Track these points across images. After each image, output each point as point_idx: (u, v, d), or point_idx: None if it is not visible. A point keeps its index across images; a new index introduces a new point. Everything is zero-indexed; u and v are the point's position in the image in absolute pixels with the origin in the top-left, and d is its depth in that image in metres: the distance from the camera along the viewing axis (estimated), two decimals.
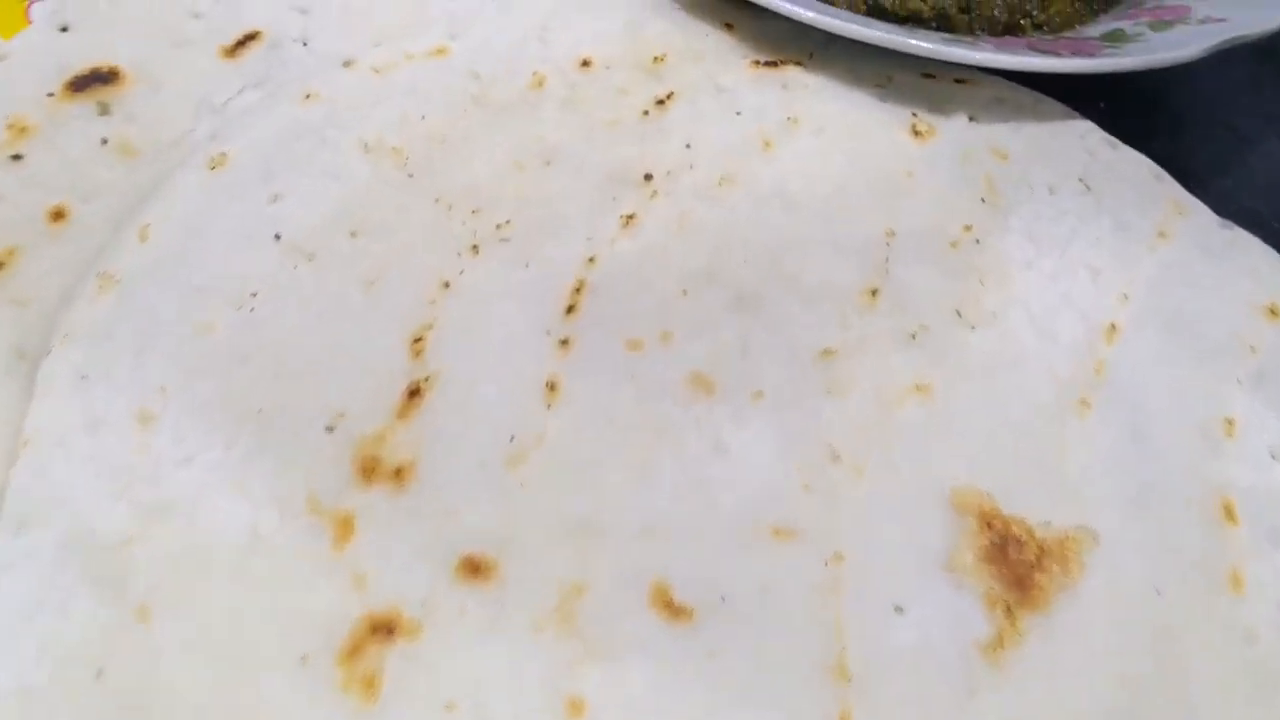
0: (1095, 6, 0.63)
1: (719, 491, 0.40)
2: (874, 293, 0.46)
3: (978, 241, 0.49)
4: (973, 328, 0.46)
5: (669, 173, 0.50)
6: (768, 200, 0.49)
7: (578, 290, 0.45)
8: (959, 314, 0.46)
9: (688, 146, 0.51)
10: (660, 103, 0.52)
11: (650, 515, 0.39)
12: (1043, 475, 0.42)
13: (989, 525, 0.40)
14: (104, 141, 0.45)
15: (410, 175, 0.48)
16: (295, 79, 0.49)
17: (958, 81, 0.55)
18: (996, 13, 0.60)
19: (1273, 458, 0.43)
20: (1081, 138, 0.54)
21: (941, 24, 0.60)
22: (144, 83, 0.47)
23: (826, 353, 0.44)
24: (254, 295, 0.42)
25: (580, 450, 0.41)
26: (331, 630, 0.35)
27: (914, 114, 0.53)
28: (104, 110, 0.46)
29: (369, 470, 0.39)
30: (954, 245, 0.48)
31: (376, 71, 0.50)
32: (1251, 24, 0.55)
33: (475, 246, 0.46)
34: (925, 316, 0.46)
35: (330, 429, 0.40)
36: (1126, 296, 0.47)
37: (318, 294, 0.43)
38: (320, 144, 0.47)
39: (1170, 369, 0.46)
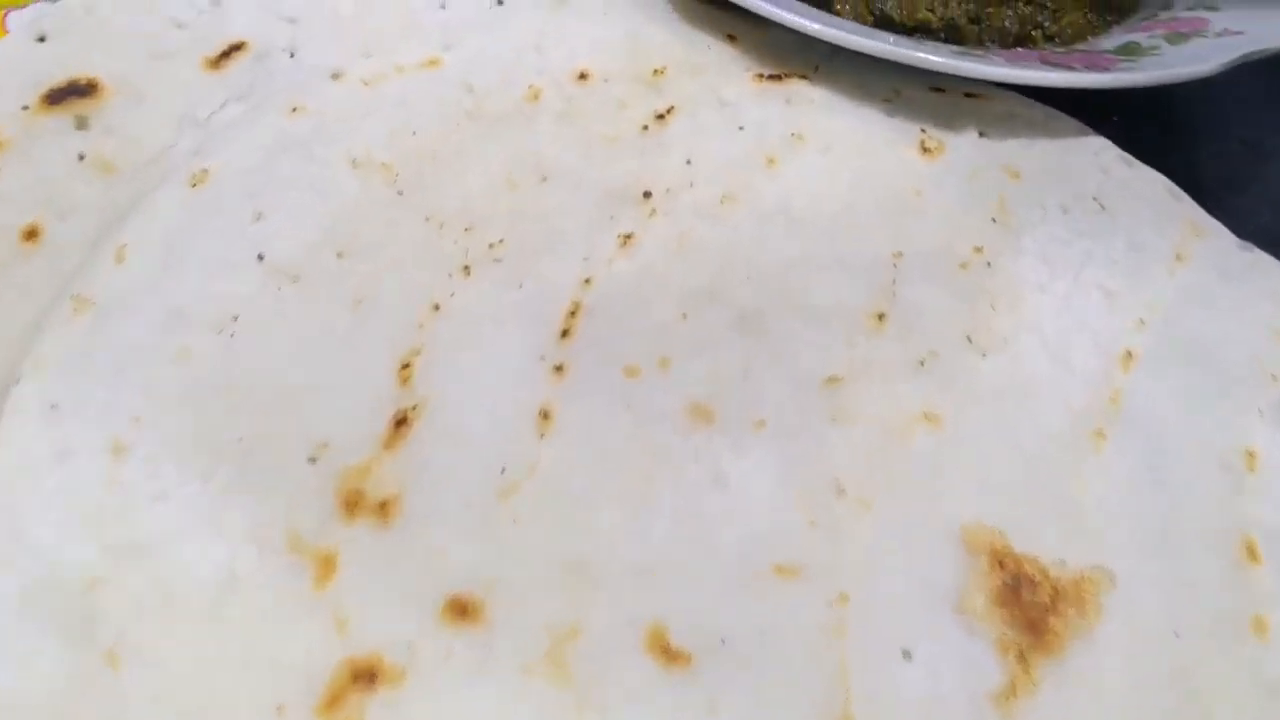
0: (1109, 18, 0.61)
1: (718, 527, 0.38)
2: (881, 316, 0.45)
3: (989, 263, 0.47)
4: (983, 354, 0.44)
5: (669, 190, 0.48)
6: (771, 219, 0.48)
7: (573, 313, 0.43)
8: (969, 339, 0.44)
9: (688, 163, 0.49)
10: (660, 117, 0.50)
11: (646, 552, 0.38)
12: (1057, 511, 0.40)
13: (1001, 565, 0.38)
14: (81, 157, 0.44)
15: (400, 192, 0.46)
16: (281, 91, 0.47)
17: (968, 96, 0.53)
18: (1007, 24, 0.58)
19: None
20: (1095, 155, 0.52)
21: (950, 35, 0.58)
22: (124, 95, 0.46)
23: (831, 379, 0.43)
24: (235, 319, 0.41)
25: (574, 483, 0.39)
26: (310, 678, 0.33)
27: (922, 130, 0.52)
28: (81, 124, 0.45)
29: (353, 504, 0.37)
30: (964, 267, 0.47)
31: (366, 84, 0.48)
32: (1271, 37, 0.54)
33: (467, 267, 0.44)
34: (934, 341, 0.44)
35: (313, 460, 0.38)
36: (1143, 322, 0.46)
37: (302, 317, 0.41)
38: (307, 159, 0.45)
39: (1188, 398, 0.44)
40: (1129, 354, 0.45)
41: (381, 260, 0.44)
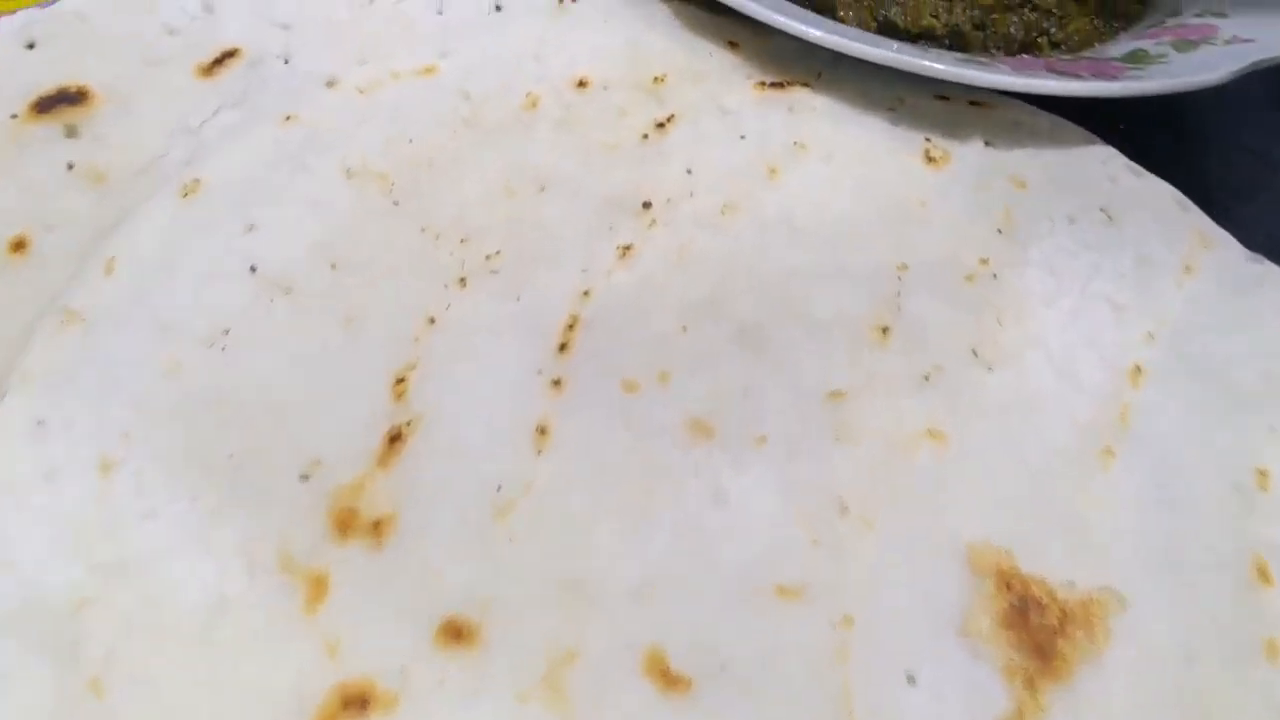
0: (1116, 25, 0.60)
1: (719, 545, 0.38)
2: (885, 329, 0.44)
3: (995, 275, 0.46)
4: (989, 368, 0.43)
5: (669, 200, 0.47)
6: (773, 230, 0.47)
7: (571, 326, 0.43)
8: (975, 353, 0.44)
9: (689, 172, 0.48)
10: (660, 125, 0.49)
11: (645, 572, 0.37)
12: (1064, 530, 0.39)
13: (1007, 586, 0.38)
14: (70, 166, 0.43)
15: (395, 202, 0.45)
16: (275, 99, 0.46)
17: (973, 104, 0.53)
18: (1013, 30, 0.58)
19: None
20: (1103, 164, 0.51)
21: (955, 42, 0.57)
22: (114, 103, 0.45)
23: (834, 394, 0.42)
24: (226, 333, 0.40)
25: (571, 500, 0.38)
26: (300, 703, 0.32)
27: (927, 139, 0.51)
28: (71, 133, 0.44)
29: (346, 524, 0.36)
30: (969, 279, 0.46)
31: (361, 91, 0.47)
32: None
33: (463, 279, 0.43)
34: (939, 356, 0.43)
35: (305, 478, 0.37)
36: (1151, 336, 0.45)
37: (294, 331, 0.41)
38: (300, 169, 0.44)
39: (1198, 415, 0.43)
40: (1137, 369, 0.44)
41: (376, 272, 0.43)
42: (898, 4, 0.57)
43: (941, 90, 0.52)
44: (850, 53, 0.50)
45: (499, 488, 0.38)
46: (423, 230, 0.45)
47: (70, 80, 0.45)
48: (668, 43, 0.52)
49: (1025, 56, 0.57)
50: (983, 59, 0.54)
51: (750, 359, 0.43)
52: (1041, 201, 0.49)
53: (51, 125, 0.44)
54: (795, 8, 0.54)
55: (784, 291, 0.45)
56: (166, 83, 0.46)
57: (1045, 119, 0.53)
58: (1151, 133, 0.55)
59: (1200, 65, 0.53)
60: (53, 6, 0.47)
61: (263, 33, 0.48)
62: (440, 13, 0.51)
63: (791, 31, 0.50)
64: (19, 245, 0.41)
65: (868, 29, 0.56)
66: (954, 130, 0.51)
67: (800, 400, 0.42)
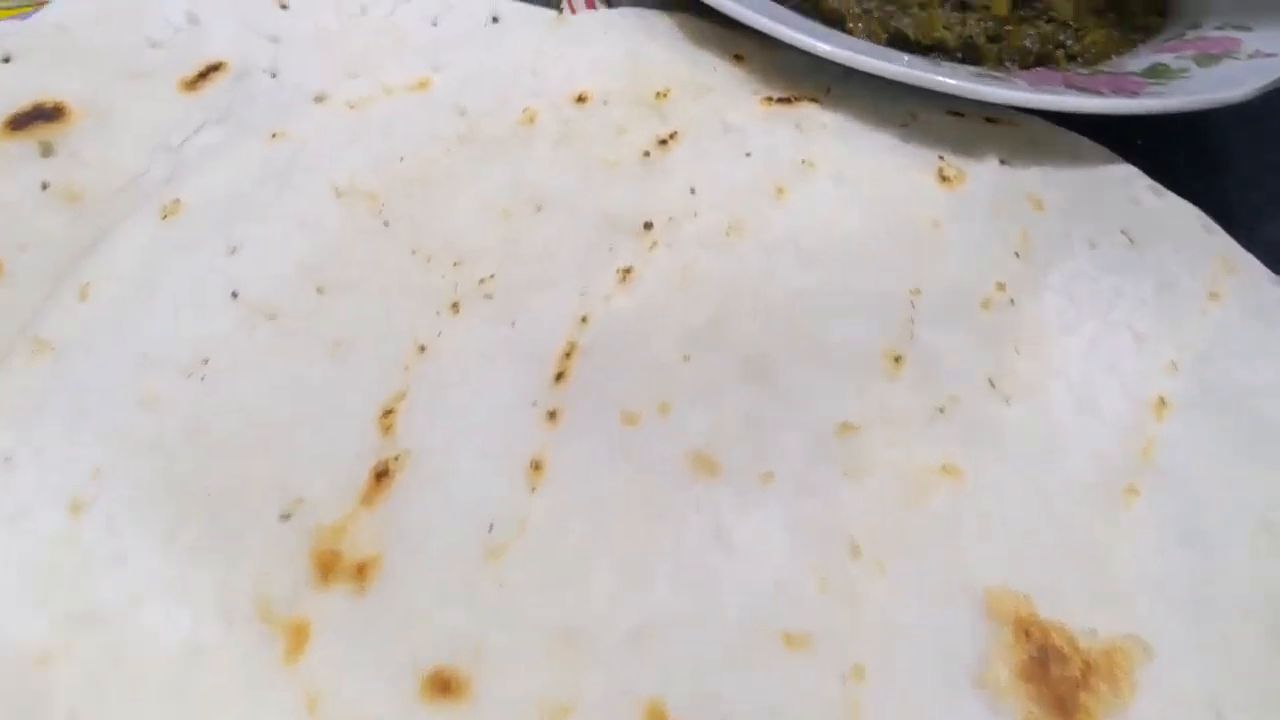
0: (1134, 37, 0.58)
1: (723, 590, 0.36)
2: (897, 359, 0.42)
3: (1012, 302, 0.44)
4: (1007, 400, 0.41)
5: (671, 220, 0.45)
6: (779, 252, 0.45)
7: (568, 354, 0.41)
8: (992, 384, 0.42)
9: (692, 191, 0.46)
10: (662, 142, 0.47)
11: (645, 618, 0.35)
12: (1086, 574, 0.37)
13: (1027, 634, 0.35)
14: (45, 186, 0.41)
15: (386, 223, 0.43)
16: (261, 115, 0.44)
17: (988, 120, 0.51)
18: (1028, 43, 0.56)
19: None
20: (1124, 184, 0.49)
21: (968, 55, 0.55)
22: (93, 119, 0.43)
23: (845, 427, 0.40)
24: (205, 362, 0.38)
25: (567, 541, 0.36)
26: None
27: (940, 157, 0.49)
28: (47, 151, 0.42)
29: (328, 567, 0.35)
30: (985, 306, 0.44)
31: (351, 107, 0.46)
32: None
33: (456, 304, 0.42)
34: (954, 387, 0.41)
35: (286, 518, 0.35)
36: (1175, 366, 0.43)
37: (278, 360, 0.39)
38: (286, 188, 0.43)
39: (1225, 449, 0.41)
40: (1161, 401, 0.42)
41: (364, 297, 0.41)
42: (909, 16, 0.55)
43: (955, 106, 0.50)
44: (860, 67, 0.48)
45: (491, 527, 0.36)
46: (414, 252, 0.43)
47: (47, 96, 0.43)
48: (670, 56, 0.50)
49: (1041, 70, 0.55)
50: (998, 73, 0.52)
51: (755, 389, 0.41)
52: (1060, 223, 0.47)
53: (26, 143, 0.42)
54: (804, 20, 0.52)
55: (791, 317, 0.43)
56: (148, 97, 0.44)
57: (1063, 136, 0.51)
58: (1172, 148, 0.53)
59: (1223, 81, 0.51)
60: (31, 19, 0.45)
61: (250, 45, 0.47)
62: (434, 24, 0.49)
63: (799, 45, 0.49)
64: None
65: (878, 42, 0.54)
66: (968, 148, 0.49)
67: (808, 434, 0.40)
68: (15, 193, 0.40)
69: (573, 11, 0.53)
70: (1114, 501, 0.39)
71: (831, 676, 0.34)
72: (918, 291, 0.44)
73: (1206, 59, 0.53)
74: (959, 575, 0.37)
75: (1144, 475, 0.40)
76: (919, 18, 0.55)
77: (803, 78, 0.51)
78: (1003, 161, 0.49)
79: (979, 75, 0.51)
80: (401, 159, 0.45)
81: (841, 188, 0.47)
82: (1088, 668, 0.35)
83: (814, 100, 0.50)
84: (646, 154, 0.47)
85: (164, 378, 0.37)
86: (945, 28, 0.55)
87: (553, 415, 0.39)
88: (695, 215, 0.46)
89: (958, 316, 0.43)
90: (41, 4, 0.46)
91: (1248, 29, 0.56)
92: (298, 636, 0.33)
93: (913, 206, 0.47)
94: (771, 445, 0.39)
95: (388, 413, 0.38)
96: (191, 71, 0.45)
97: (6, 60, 0.44)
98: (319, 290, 0.41)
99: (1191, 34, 0.57)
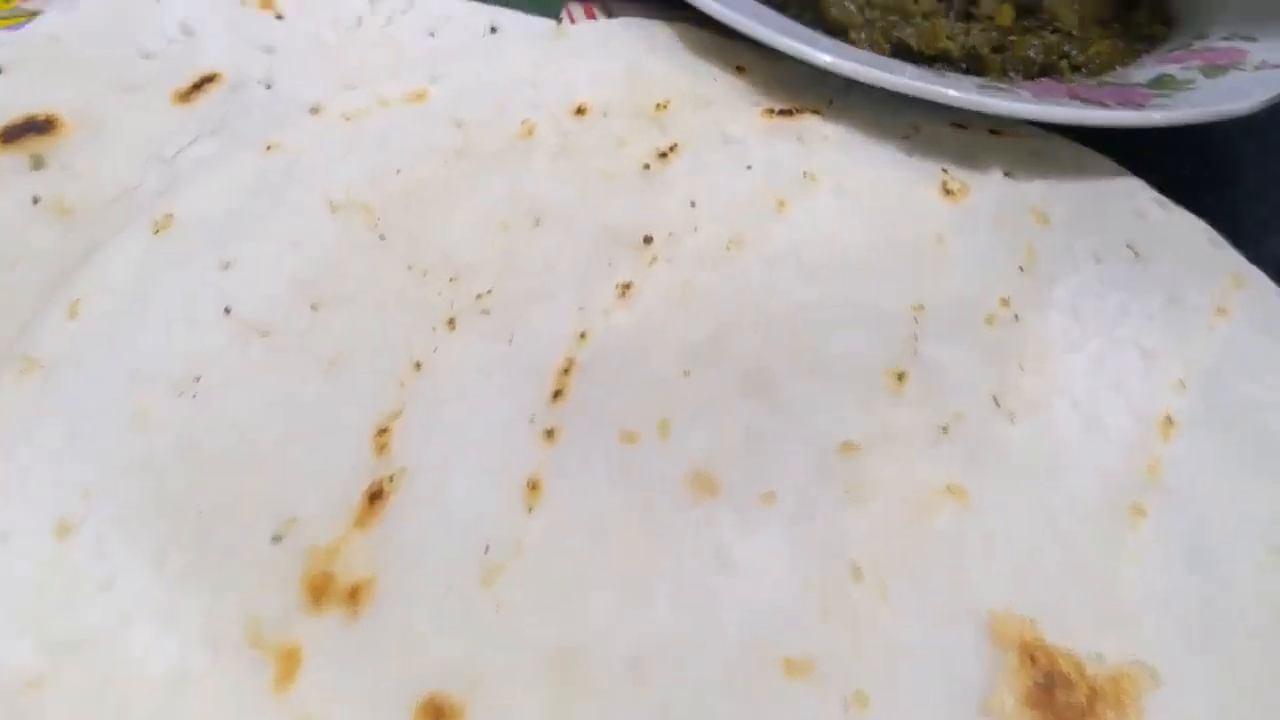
0: (1140, 47, 0.58)
1: (723, 615, 0.35)
2: (900, 375, 0.41)
3: (1016, 317, 0.43)
4: (1011, 418, 0.41)
5: (671, 234, 0.45)
6: (781, 267, 0.44)
7: (566, 371, 0.40)
8: (996, 402, 0.41)
9: (692, 205, 0.46)
10: (662, 155, 0.47)
11: (643, 644, 0.34)
12: (1092, 597, 0.37)
13: (1032, 660, 0.35)
14: (35, 200, 0.40)
15: (382, 236, 0.43)
16: (256, 127, 0.44)
17: (992, 132, 0.50)
18: (1032, 54, 0.55)
19: None
20: (1130, 197, 0.48)
21: (972, 65, 0.55)
22: (85, 132, 0.42)
23: (847, 446, 0.39)
24: (197, 379, 0.37)
25: (564, 564, 0.36)
26: None
27: (944, 169, 0.48)
28: (38, 164, 0.41)
29: (321, 590, 0.34)
30: (990, 321, 0.43)
31: (347, 118, 0.45)
32: None
33: (452, 320, 0.41)
34: (958, 404, 0.41)
35: (278, 539, 0.35)
36: (1183, 383, 0.42)
37: (271, 377, 0.38)
38: (281, 202, 0.42)
39: (1233, 469, 0.40)
40: (1168, 419, 0.41)
41: (359, 313, 0.40)
42: (912, 26, 0.55)
43: (959, 117, 0.50)
44: (862, 79, 0.48)
45: (487, 549, 0.35)
46: (410, 267, 0.42)
47: (39, 108, 0.42)
48: (670, 67, 0.50)
49: (1046, 81, 0.54)
50: (1002, 84, 0.51)
51: (757, 407, 0.40)
52: (1065, 237, 0.46)
53: (17, 156, 0.41)
54: (805, 30, 0.52)
55: (792, 333, 0.42)
56: (141, 110, 0.44)
57: (1068, 147, 0.50)
58: (1178, 160, 0.53)
59: (1229, 93, 0.50)
60: (23, 29, 0.44)
61: (244, 56, 0.46)
62: (432, 35, 0.49)
63: (800, 56, 0.48)
64: None
65: (881, 52, 0.54)
66: (972, 160, 0.49)
67: (810, 452, 0.39)
68: (5, 206, 0.40)
69: (572, 22, 0.52)
70: (1120, 522, 0.38)
71: (833, 702, 0.33)
72: (921, 307, 0.43)
73: (1213, 70, 0.53)
74: (963, 598, 0.36)
75: (1150, 494, 0.39)
76: (922, 28, 0.55)
77: (804, 89, 0.50)
78: (1007, 174, 0.49)
79: (983, 87, 0.50)
80: (398, 172, 0.44)
81: (843, 201, 0.47)
82: (1094, 694, 0.34)
83: (816, 112, 0.50)
84: (646, 167, 0.46)
85: (155, 396, 0.37)
86: (949, 38, 0.54)
87: (550, 433, 0.38)
88: (695, 229, 0.45)
89: (961, 332, 0.43)
90: (34, 15, 0.45)
91: (1253, 39, 0.55)
92: (288, 662, 0.32)
93: (916, 220, 0.46)
94: (773, 464, 0.39)
95: (382, 431, 0.38)
96: (185, 83, 0.44)
97: None
98: (313, 306, 0.40)
99: (1198, 44, 0.56)
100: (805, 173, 0.47)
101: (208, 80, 0.45)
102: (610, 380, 0.40)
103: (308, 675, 0.32)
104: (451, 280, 0.42)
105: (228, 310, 0.39)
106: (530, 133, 0.47)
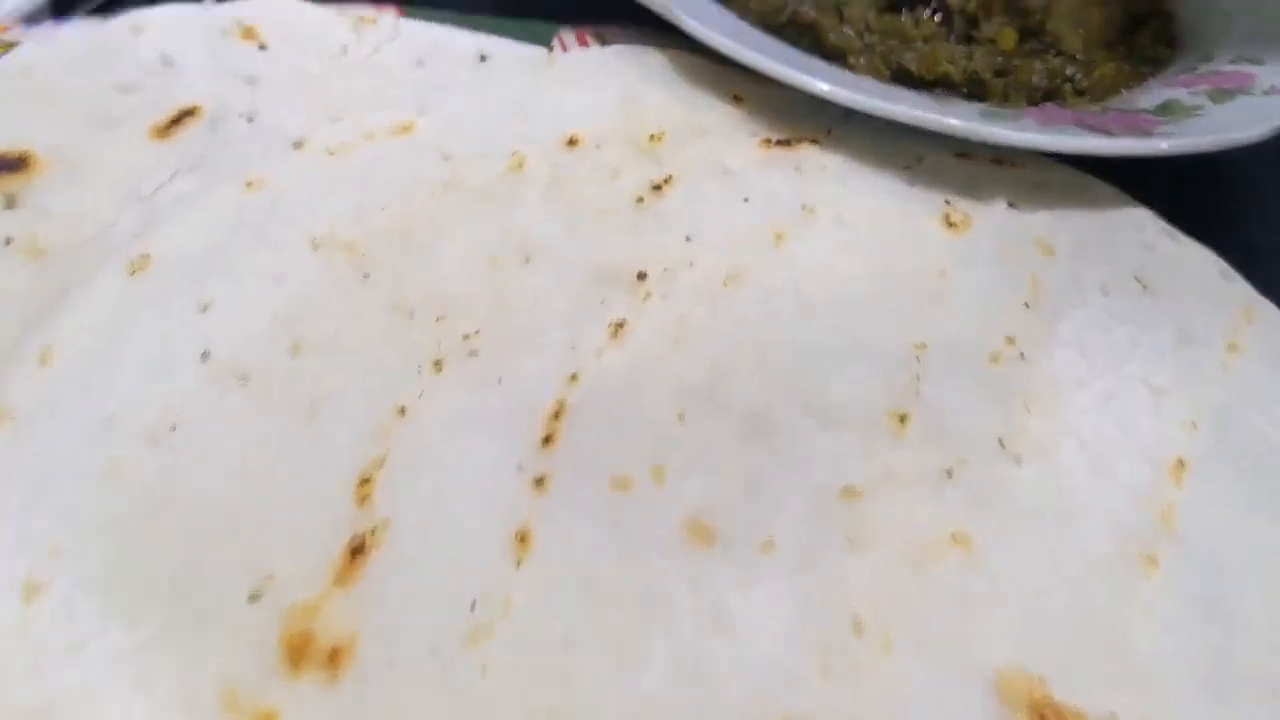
0: (1144, 70, 0.56)
1: (721, 673, 0.34)
2: (903, 418, 0.40)
3: (1022, 355, 0.42)
4: (1018, 462, 0.39)
5: (666, 270, 0.43)
6: (779, 303, 0.43)
7: (556, 415, 0.39)
8: (1001, 444, 0.40)
9: (688, 239, 0.44)
10: (657, 188, 0.46)
11: (638, 709, 0.33)
12: (1104, 652, 0.35)
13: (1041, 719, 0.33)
14: (7, 241, 0.39)
15: (366, 275, 0.41)
16: (237, 162, 0.42)
17: (995, 162, 0.49)
18: (1036, 79, 0.54)
19: None
20: (1137, 228, 0.47)
21: (974, 90, 0.53)
22: (60, 169, 0.41)
23: (848, 491, 0.38)
24: (173, 429, 0.36)
25: (554, 622, 0.34)
26: None
27: (946, 201, 0.47)
28: (10, 203, 0.40)
29: (299, 652, 0.32)
30: (994, 360, 0.42)
31: (331, 152, 0.44)
32: None
33: (438, 362, 0.40)
34: (962, 448, 0.39)
35: (255, 598, 0.33)
36: (1194, 425, 0.41)
37: (249, 426, 0.37)
38: (261, 240, 0.41)
39: (1246, 513, 0.39)
40: (1180, 463, 0.40)
41: (342, 356, 0.39)
42: (913, 50, 0.53)
43: (962, 147, 0.48)
44: (862, 108, 0.46)
45: (473, 605, 0.34)
46: (395, 306, 0.41)
47: (12, 144, 0.41)
48: (665, 96, 0.49)
49: (1050, 107, 0.53)
50: (1006, 112, 0.50)
51: (755, 451, 0.39)
52: (1071, 269, 0.45)
53: None
54: (802, 57, 0.51)
55: (791, 374, 0.41)
56: (118, 145, 0.42)
57: (1073, 177, 0.49)
58: (1184, 187, 0.51)
59: (1237, 120, 0.49)
60: None
61: (226, 88, 0.45)
62: (420, 64, 0.47)
63: (798, 85, 0.47)
64: None
65: (881, 77, 0.52)
66: (975, 190, 0.48)
67: (810, 499, 0.38)
68: None
69: (564, 50, 0.51)
70: (1132, 572, 0.37)
71: None
72: (923, 346, 0.42)
73: (1221, 95, 0.52)
74: (968, 653, 0.35)
75: (1162, 542, 0.38)
76: (923, 52, 0.54)
77: (802, 118, 0.49)
78: (1011, 205, 0.47)
79: (987, 115, 0.49)
80: (383, 207, 0.43)
81: (843, 233, 0.45)
82: None
83: (814, 142, 0.48)
84: (640, 200, 0.45)
85: (128, 447, 0.35)
86: (950, 62, 0.53)
87: (540, 482, 0.37)
88: (691, 264, 0.44)
89: (965, 372, 0.41)
90: (11, 46, 0.44)
91: (1260, 62, 0.54)
92: None
93: (917, 254, 0.45)
94: (771, 511, 0.37)
95: (365, 481, 0.36)
96: (164, 117, 0.43)
97: None
98: (294, 349, 0.39)
99: (1204, 67, 0.55)
100: (804, 205, 0.46)
101: (187, 114, 0.43)
102: (602, 424, 0.39)
103: None
104: (438, 320, 0.41)
105: (206, 354, 0.38)
106: (520, 165, 0.45)
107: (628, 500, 0.37)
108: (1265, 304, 0.45)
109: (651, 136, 0.47)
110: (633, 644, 0.34)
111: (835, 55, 0.53)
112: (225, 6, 0.48)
